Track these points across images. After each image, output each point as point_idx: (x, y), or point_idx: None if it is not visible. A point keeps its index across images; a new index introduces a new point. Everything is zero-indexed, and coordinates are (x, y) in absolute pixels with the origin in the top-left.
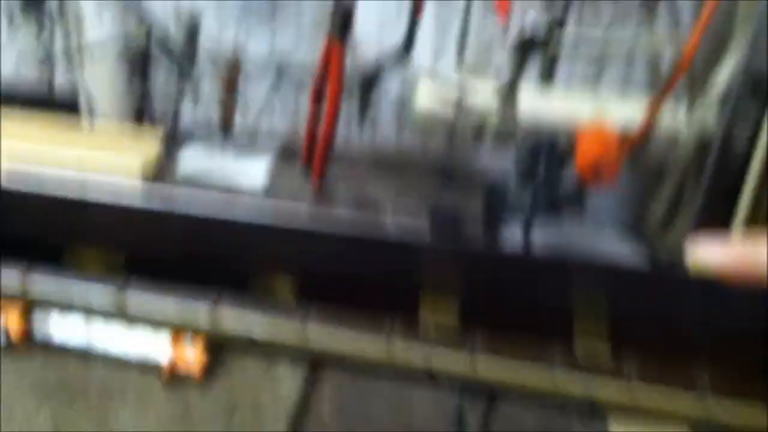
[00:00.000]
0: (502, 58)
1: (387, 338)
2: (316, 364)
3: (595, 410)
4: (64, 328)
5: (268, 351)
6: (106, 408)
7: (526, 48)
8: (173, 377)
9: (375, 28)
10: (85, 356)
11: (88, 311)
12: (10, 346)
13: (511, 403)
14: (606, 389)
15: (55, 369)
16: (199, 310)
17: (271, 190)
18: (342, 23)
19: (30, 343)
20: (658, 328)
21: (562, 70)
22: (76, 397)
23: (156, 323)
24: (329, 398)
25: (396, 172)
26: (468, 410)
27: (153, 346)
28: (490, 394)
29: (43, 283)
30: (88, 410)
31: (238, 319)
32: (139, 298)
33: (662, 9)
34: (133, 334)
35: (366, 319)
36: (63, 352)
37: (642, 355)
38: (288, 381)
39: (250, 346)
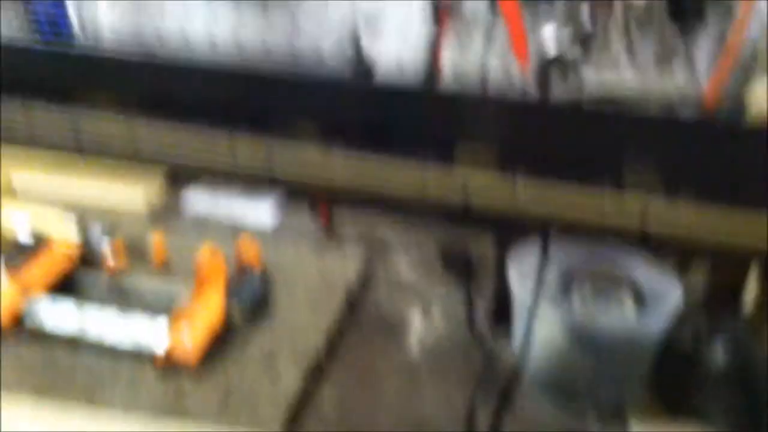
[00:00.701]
0: None
1: (422, 173)
2: (317, 369)
3: (615, 411)
4: (55, 313)
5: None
6: (96, 395)
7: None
8: (167, 364)
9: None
10: (76, 343)
11: None
12: None
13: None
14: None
15: (45, 355)
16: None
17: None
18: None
19: (20, 328)
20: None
21: None
22: (65, 384)
23: None
24: (331, 393)
25: None
26: (479, 408)
27: (147, 332)
28: (504, 392)
29: None
30: (78, 397)
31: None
32: None
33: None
34: (126, 320)
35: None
36: (54, 338)
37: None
38: (289, 374)
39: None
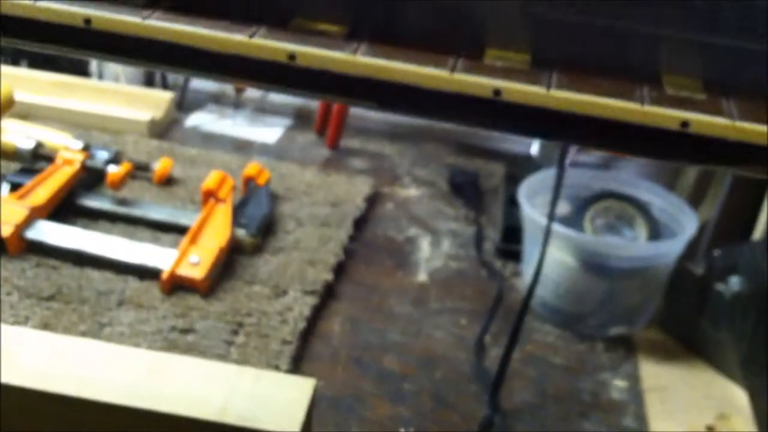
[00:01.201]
0: None
1: (451, 70)
2: (327, 295)
3: (624, 341)
4: (60, 234)
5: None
6: (102, 315)
7: None
8: (175, 285)
9: None
10: (80, 263)
11: None
12: (2, 247)
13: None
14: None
15: (49, 274)
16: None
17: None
18: None
19: (23, 246)
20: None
21: None
22: (71, 302)
23: None
24: (341, 323)
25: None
26: (488, 333)
27: (154, 253)
28: (513, 334)
29: None
30: (83, 315)
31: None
32: None
33: None
34: (133, 241)
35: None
36: (58, 256)
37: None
38: (298, 306)
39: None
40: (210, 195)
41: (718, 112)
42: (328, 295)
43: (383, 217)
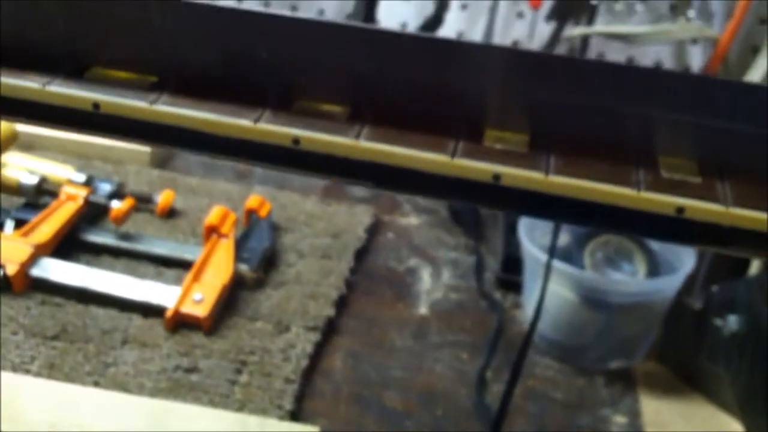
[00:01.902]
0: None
1: (451, 155)
2: (329, 330)
3: (624, 374)
4: (64, 269)
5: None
6: (106, 354)
7: (564, 13)
8: (179, 322)
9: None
10: (85, 299)
11: None
12: (7, 285)
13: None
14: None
15: (54, 312)
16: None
17: None
18: (366, 13)
19: (27, 283)
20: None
21: None
22: (75, 342)
23: None
24: (342, 358)
25: None
26: (489, 367)
27: (158, 290)
28: (515, 371)
29: None
30: (88, 355)
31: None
32: None
33: (693, 11)
34: (136, 277)
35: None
36: (62, 293)
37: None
38: (300, 343)
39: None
40: (212, 230)
41: (713, 197)
42: (329, 329)
43: (384, 247)
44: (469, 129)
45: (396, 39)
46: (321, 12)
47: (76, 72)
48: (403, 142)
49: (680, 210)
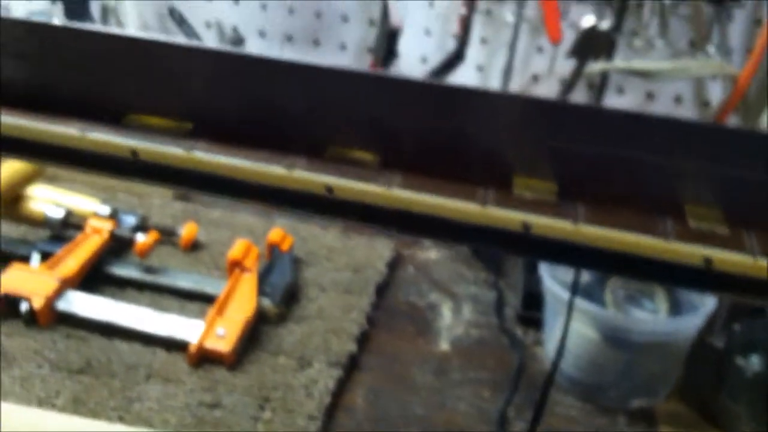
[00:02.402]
0: (547, 89)
1: (482, 204)
2: (351, 366)
3: (645, 413)
4: (89, 304)
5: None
6: (131, 388)
7: (584, 49)
8: (202, 357)
9: (416, 61)
10: (109, 333)
11: None
12: (33, 319)
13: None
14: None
15: (79, 346)
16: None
17: None
18: (387, 47)
19: (53, 317)
20: None
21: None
22: (100, 376)
23: None
24: (364, 395)
25: None
26: (511, 404)
27: (181, 324)
28: (538, 407)
29: None
30: (112, 390)
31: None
32: None
33: (713, 46)
34: (160, 312)
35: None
36: (87, 327)
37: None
38: (322, 379)
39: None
40: (236, 265)
41: (740, 248)
42: (351, 365)
43: (404, 282)
44: (498, 176)
45: (424, 88)
46: (342, 46)
47: (114, 119)
48: (434, 189)
49: (708, 261)
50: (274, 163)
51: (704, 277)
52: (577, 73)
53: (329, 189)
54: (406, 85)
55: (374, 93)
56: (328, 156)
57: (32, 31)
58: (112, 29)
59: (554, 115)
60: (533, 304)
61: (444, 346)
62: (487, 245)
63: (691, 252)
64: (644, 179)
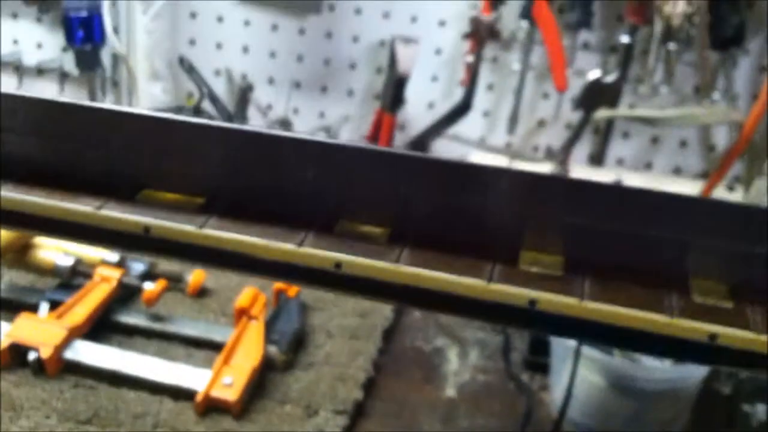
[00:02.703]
0: (553, 135)
1: (488, 280)
2: (357, 414)
3: None
4: (96, 354)
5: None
6: None
7: (589, 100)
8: (209, 406)
9: (423, 108)
10: (116, 382)
11: None
12: (41, 368)
13: None
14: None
15: (86, 395)
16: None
17: None
18: (394, 93)
19: (61, 366)
20: None
21: (612, 153)
22: (108, 426)
23: None
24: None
25: None
26: None
27: (189, 373)
28: None
29: None
30: None
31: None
32: None
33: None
34: (167, 361)
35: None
36: (95, 376)
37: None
38: (329, 428)
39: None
40: (243, 313)
41: (744, 324)
42: (358, 413)
43: (411, 327)
44: (505, 250)
45: (432, 164)
46: (350, 92)
47: (127, 195)
48: (442, 265)
49: (713, 337)
50: (283, 239)
51: (709, 352)
52: (582, 124)
53: (338, 265)
54: (415, 161)
55: (382, 168)
56: (337, 230)
57: (47, 108)
58: (126, 108)
59: (560, 191)
60: (540, 349)
61: (451, 392)
62: (493, 320)
63: (696, 328)
64: (650, 253)
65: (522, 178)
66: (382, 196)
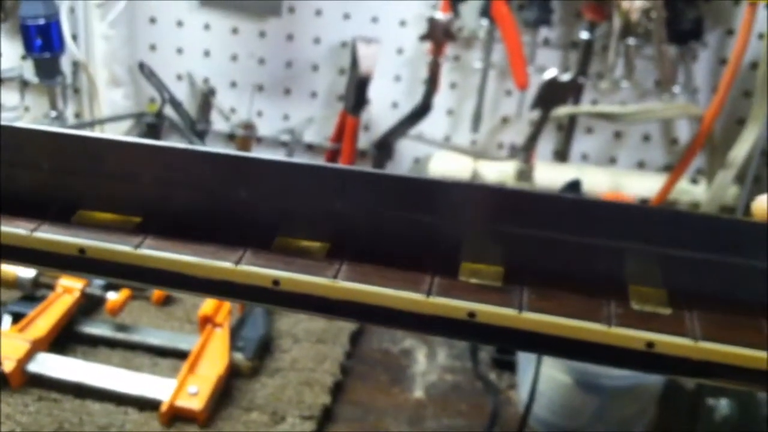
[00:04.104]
0: (517, 132)
1: (426, 294)
2: (325, 419)
3: None
4: (60, 366)
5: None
6: None
7: (547, 99)
8: (174, 415)
9: (387, 108)
10: (81, 394)
11: None
12: (4, 382)
13: None
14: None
15: (51, 408)
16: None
17: None
18: (357, 94)
19: (24, 379)
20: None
21: (576, 149)
22: None
23: None
24: None
25: None
26: None
27: (153, 383)
28: None
29: None
30: None
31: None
32: None
33: (678, 86)
34: (131, 371)
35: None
36: (59, 389)
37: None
38: (296, 423)
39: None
40: (207, 321)
41: (681, 331)
42: (325, 417)
43: (379, 329)
44: (445, 262)
45: (369, 178)
46: (313, 94)
47: (63, 216)
48: (381, 279)
49: (650, 345)
50: (221, 258)
51: (646, 360)
52: (541, 123)
53: (276, 282)
54: (350, 175)
55: (318, 184)
56: (276, 247)
57: None
58: (54, 129)
59: (498, 200)
60: (508, 348)
61: (418, 393)
62: (433, 333)
63: (633, 336)
64: (589, 261)
65: (459, 189)
66: (319, 211)
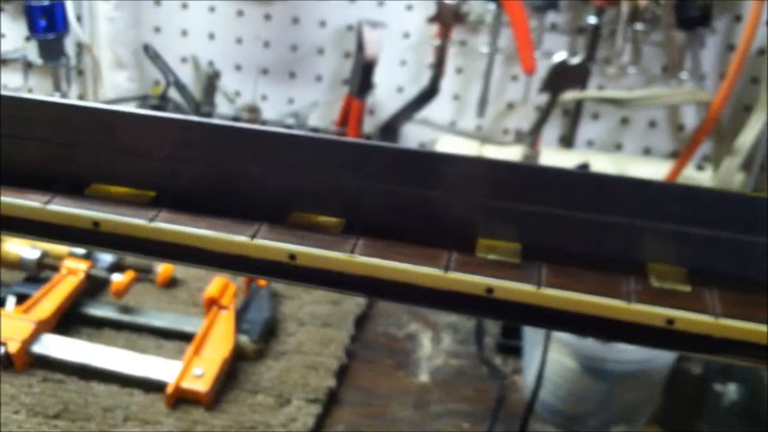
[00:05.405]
0: (523, 118)
1: (444, 269)
2: (330, 402)
3: None
4: (65, 347)
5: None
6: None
7: (556, 83)
8: (179, 398)
9: (392, 92)
10: (85, 375)
11: None
12: (8, 363)
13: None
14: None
15: (55, 389)
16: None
17: None
18: (363, 78)
19: (29, 360)
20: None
21: (582, 135)
22: (77, 420)
23: None
24: (342, 420)
25: None
26: None
27: (159, 365)
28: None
29: None
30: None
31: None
32: None
33: (686, 72)
34: (137, 353)
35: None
36: (63, 370)
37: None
38: (301, 417)
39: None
40: (213, 303)
41: (702, 308)
42: (330, 401)
43: (383, 313)
44: (462, 238)
45: (384, 152)
46: (318, 77)
47: (76, 189)
48: (397, 255)
49: (670, 321)
50: (236, 232)
51: (666, 337)
52: (549, 107)
53: (292, 256)
54: (367, 149)
55: (335, 158)
56: (291, 222)
57: None
58: (69, 100)
59: (516, 177)
60: (513, 333)
61: (423, 377)
62: (451, 309)
63: (653, 313)
64: (607, 239)
65: (477, 164)
66: (335, 186)
